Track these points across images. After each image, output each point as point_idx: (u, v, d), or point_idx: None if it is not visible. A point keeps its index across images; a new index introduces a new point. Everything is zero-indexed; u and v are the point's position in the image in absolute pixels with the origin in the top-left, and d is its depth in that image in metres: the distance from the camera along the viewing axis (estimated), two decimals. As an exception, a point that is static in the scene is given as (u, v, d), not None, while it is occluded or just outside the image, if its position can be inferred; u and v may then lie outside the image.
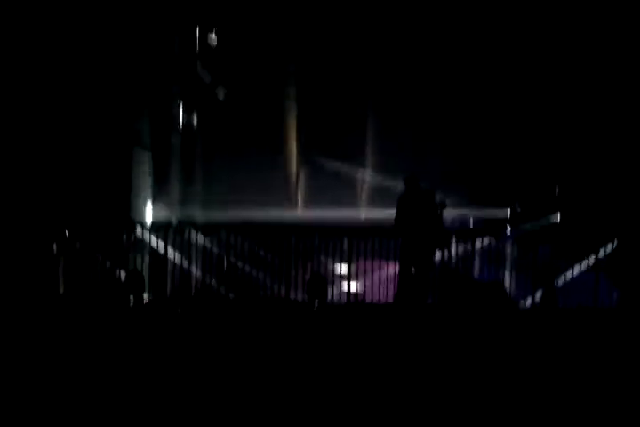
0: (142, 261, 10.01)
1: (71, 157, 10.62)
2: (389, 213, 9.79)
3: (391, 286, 9.34)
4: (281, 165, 14.72)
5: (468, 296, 8.80)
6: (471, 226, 12.29)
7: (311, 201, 14.10)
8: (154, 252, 10.48)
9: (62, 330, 7.65)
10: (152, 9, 11.58)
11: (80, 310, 8.92)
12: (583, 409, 5.49)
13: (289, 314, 8.91)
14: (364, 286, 9.48)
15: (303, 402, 5.44)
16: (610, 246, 9.73)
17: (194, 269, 10.50)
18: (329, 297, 9.54)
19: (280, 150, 14.80)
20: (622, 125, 13.47)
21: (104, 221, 10.30)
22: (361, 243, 10.02)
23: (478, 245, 9.60)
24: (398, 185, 11.12)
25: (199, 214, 14.16)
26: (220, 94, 15.15)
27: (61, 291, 9.83)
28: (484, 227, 12.79)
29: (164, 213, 12.60)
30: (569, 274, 9.83)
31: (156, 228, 10.51)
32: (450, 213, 9.80)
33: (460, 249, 9.60)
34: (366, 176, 14.59)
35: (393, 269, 9.65)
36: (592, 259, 9.70)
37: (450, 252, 9.35)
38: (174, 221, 12.43)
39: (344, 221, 11.94)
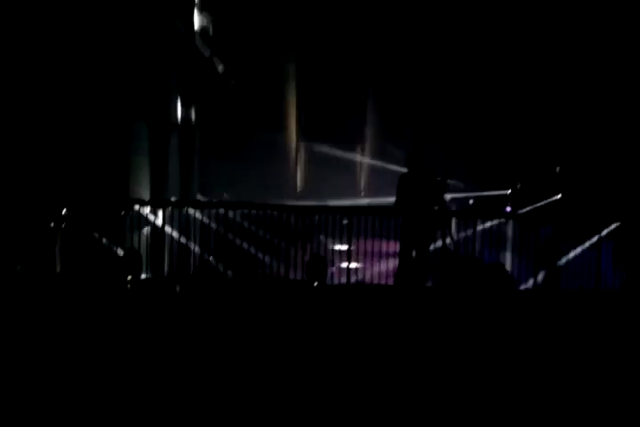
0: (139, 239, 9.90)
1: (68, 132, 10.53)
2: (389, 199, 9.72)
3: (391, 267, 9.24)
4: (282, 150, 14.70)
5: (469, 278, 8.71)
6: (471, 206, 12.22)
7: (311, 185, 14.10)
8: (153, 229, 10.39)
9: (57, 310, 7.58)
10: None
11: (76, 288, 8.86)
12: (585, 397, 5.43)
13: (288, 294, 8.83)
14: (364, 266, 9.39)
15: (301, 387, 5.38)
16: (613, 226, 9.63)
17: (193, 247, 10.42)
18: (328, 277, 9.47)
19: (281, 135, 14.78)
20: (621, 105, 13.43)
21: (102, 199, 10.22)
22: (361, 222, 9.91)
23: (478, 225, 9.48)
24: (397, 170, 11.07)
25: (199, 191, 14.12)
26: (219, 68, 15.05)
27: (58, 269, 9.75)
28: (484, 207, 12.73)
29: (164, 191, 12.54)
30: (571, 255, 9.74)
31: (155, 205, 10.39)
32: (450, 194, 9.68)
33: (460, 230, 9.48)
34: (365, 161, 14.55)
35: (393, 248, 9.56)
36: (594, 239, 9.60)
37: (450, 233, 9.24)
38: (173, 198, 12.36)
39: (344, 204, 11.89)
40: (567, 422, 5.00)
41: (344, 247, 9.80)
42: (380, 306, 8.23)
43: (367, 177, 15.36)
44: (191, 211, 10.36)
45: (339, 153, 15.06)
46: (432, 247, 9.09)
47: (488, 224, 9.56)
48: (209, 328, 7.36)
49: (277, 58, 15.42)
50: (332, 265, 9.75)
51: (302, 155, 15.82)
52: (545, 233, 9.48)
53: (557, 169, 13.59)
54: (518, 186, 13.65)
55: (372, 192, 14.32)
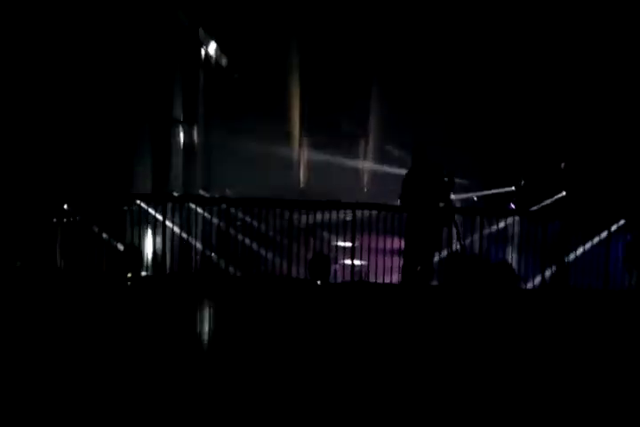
0: (139, 235, 9.77)
1: (70, 128, 10.43)
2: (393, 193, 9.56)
3: (396, 264, 9.09)
4: (285, 145, 14.61)
5: (475, 277, 8.58)
6: (475, 203, 12.09)
7: (314, 181, 13.99)
8: (154, 225, 10.27)
9: (56, 309, 7.48)
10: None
11: (76, 286, 8.77)
12: (591, 398, 5.30)
13: (291, 294, 8.72)
14: (368, 263, 9.24)
15: (303, 388, 5.26)
16: (621, 222, 9.47)
17: (195, 243, 10.29)
18: (331, 275, 9.34)
19: (284, 130, 14.70)
20: (625, 101, 13.32)
21: (103, 194, 10.11)
22: (365, 217, 9.76)
23: (484, 223, 9.32)
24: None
25: (201, 187, 14.00)
26: (223, 62, 14.93)
27: (60, 265, 9.65)
28: (488, 204, 12.59)
29: (166, 186, 12.43)
30: (579, 252, 9.58)
31: (157, 200, 10.26)
32: (455, 195, 9.50)
33: (466, 228, 9.32)
34: (368, 156, 14.46)
35: (398, 245, 9.41)
36: (603, 236, 9.44)
37: (458, 230, 9.07)
38: (176, 194, 12.24)
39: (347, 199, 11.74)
40: (572, 420, 4.90)
41: (347, 244, 9.66)
42: (384, 305, 8.11)
43: (370, 174, 15.26)
44: (193, 206, 10.23)
45: (342, 148, 14.95)
46: (438, 247, 8.93)
47: (494, 221, 9.40)
48: (208, 328, 7.24)
49: (280, 53, 15.31)
50: (336, 262, 9.60)
51: (305, 150, 15.71)
52: (552, 230, 9.32)
53: (562, 165, 13.46)
54: (522, 182, 13.54)
55: (374, 187, 14.20)
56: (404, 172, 9.45)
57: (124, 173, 11.18)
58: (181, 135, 13.41)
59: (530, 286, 9.18)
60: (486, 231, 9.14)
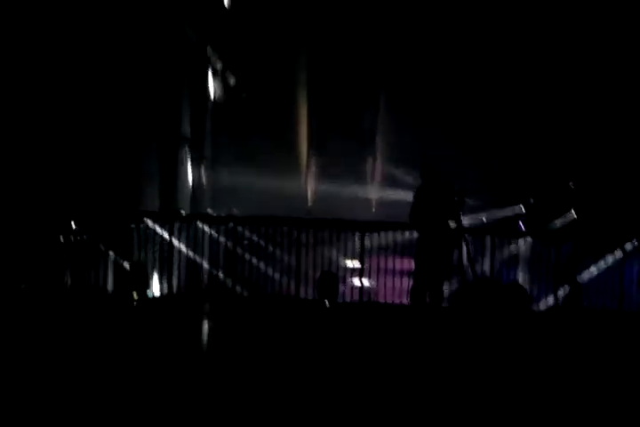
0: (146, 254, 9.70)
1: (80, 148, 10.43)
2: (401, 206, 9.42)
3: (405, 285, 8.96)
4: (292, 163, 14.59)
5: (487, 299, 8.45)
6: (484, 224, 11.96)
7: (322, 199, 13.92)
8: (162, 244, 10.20)
9: (62, 329, 7.39)
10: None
11: (83, 305, 8.69)
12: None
13: (298, 314, 8.60)
14: (377, 283, 9.12)
15: (310, 409, 5.14)
16: (633, 243, 9.35)
17: (202, 262, 10.21)
18: (340, 294, 9.22)
19: (291, 148, 14.68)
20: (635, 120, 13.23)
21: (111, 213, 10.05)
22: (374, 237, 9.65)
23: (494, 243, 9.20)
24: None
25: (209, 205, 13.93)
26: (231, 81, 14.93)
27: (67, 283, 9.61)
28: (497, 224, 12.46)
29: (173, 205, 12.35)
30: (591, 272, 9.45)
31: (165, 219, 10.19)
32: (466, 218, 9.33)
33: (476, 248, 9.20)
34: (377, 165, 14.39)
35: (408, 266, 9.28)
36: (617, 256, 9.31)
37: (469, 250, 8.91)
38: (184, 212, 12.17)
39: (355, 212, 11.66)
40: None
41: (356, 264, 9.55)
42: (393, 326, 7.97)
43: (379, 192, 15.18)
44: (200, 225, 10.16)
45: (350, 166, 14.91)
46: (449, 268, 8.77)
47: (505, 242, 9.28)
48: (213, 349, 7.13)
49: (288, 73, 15.34)
50: (344, 282, 9.48)
51: (313, 168, 15.68)
52: (565, 250, 9.19)
53: (571, 184, 13.35)
54: (531, 201, 13.44)
55: (382, 209, 14.11)
56: (410, 195, 9.28)
57: (132, 191, 11.13)
58: (189, 153, 13.36)
59: (543, 306, 9.04)
60: (497, 252, 9.02)
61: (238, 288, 9.63)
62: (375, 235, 9.66)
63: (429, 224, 8.52)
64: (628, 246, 9.14)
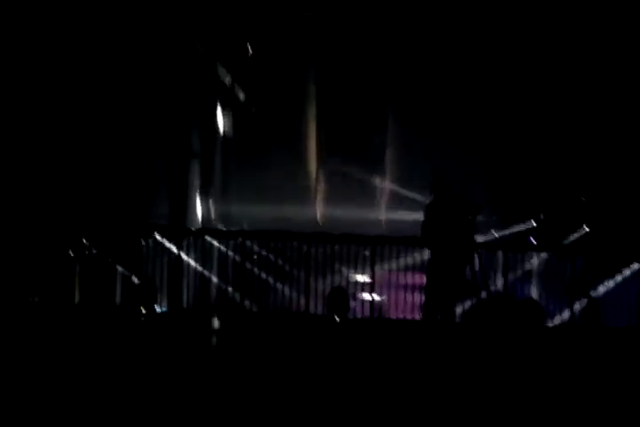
0: (155, 268, 9.64)
1: (88, 162, 10.44)
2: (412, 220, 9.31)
3: (417, 301, 8.83)
4: (303, 178, 14.56)
5: (501, 315, 8.31)
6: (496, 240, 11.85)
7: (332, 207, 13.86)
8: (171, 258, 10.14)
9: (70, 342, 7.31)
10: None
11: (92, 319, 8.63)
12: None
13: (308, 330, 8.48)
14: (388, 299, 9.00)
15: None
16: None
17: (211, 277, 10.14)
18: (350, 310, 9.10)
19: (302, 163, 14.68)
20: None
21: (121, 227, 10.02)
22: (384, 253, 9.54)
23: (507, 258, 9.08)
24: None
25: (218, 220, 13.88)
26: (240, 96, 14.94)
27: (77, 299, 9.57)
28: (509, 239, 12.34)
29: (183, 219, 12.32)
30: (607, 287, 9.31)
31: (174, 233, 10.13)
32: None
33: (490, 263, 9.07)
34: (386, 184, 14.34)
35: (419, 281, 9.15)
36: (635, 269, 9.17)
37: (481, 266, 8.75)
38: (193, 227, 12.12)
39: (365, 229, 11.56)
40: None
41: (366, 279, 9.43)
42: (405, 343, 7.83)
43: (388, 206, 15.11)
44: (209, 239, 10.10)
45: (362, 181, 14.87)
46: (461, 284, 8.61)
47: (518, 257, 9.16)
48: (221, 365, 7.02)
49: (297, 88, 15.38)
50: (354, 298, 9.36)
51: (323, 183, 15.65)
52: (580, 265, 9.05)
53: (582, 199, 13.25)
54: (542, 216, 13.35)
55: (393, 224, 14.03)
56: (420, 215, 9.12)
57: (142, 206, 11.13)
58: (198, 168, 13.36)
59: (557, 322, 8.89)
60: (510, 267, 8.90)
61: (247, 303, 9.54)
62: (386, 250, 9.57)
63: (441, 239, 8.39)
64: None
